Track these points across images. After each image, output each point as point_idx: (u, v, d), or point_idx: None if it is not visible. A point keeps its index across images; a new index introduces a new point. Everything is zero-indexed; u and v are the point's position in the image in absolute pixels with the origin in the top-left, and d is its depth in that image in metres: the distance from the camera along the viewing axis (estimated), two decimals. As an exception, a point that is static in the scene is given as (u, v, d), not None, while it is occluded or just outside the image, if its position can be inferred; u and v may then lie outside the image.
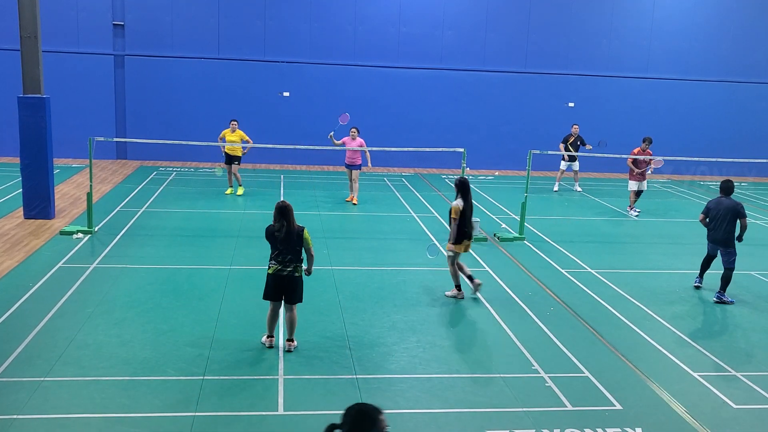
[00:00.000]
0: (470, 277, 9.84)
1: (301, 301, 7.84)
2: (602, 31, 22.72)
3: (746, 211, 10.36)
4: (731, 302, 10.26)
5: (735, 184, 10.85)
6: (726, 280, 10.27)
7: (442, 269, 11.24)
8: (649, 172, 16.34)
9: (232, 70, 21.40)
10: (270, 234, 7.65)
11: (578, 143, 18.70)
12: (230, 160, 16.48)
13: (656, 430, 6.50)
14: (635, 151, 16.04)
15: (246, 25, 21.32)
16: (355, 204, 16.15)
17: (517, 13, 22.29)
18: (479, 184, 19.81)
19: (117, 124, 21.19)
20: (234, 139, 16.10)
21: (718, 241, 10.39)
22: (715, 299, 10.31)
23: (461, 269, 9.86)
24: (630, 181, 16.25)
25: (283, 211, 7.58)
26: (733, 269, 10.27)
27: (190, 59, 21.21)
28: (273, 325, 7.86)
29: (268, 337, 7.89)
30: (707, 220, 10.57)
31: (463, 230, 9.58)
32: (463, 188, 9.60)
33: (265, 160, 21.60)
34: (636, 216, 16.08)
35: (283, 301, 7.77)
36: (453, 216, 9.51)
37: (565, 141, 18.79)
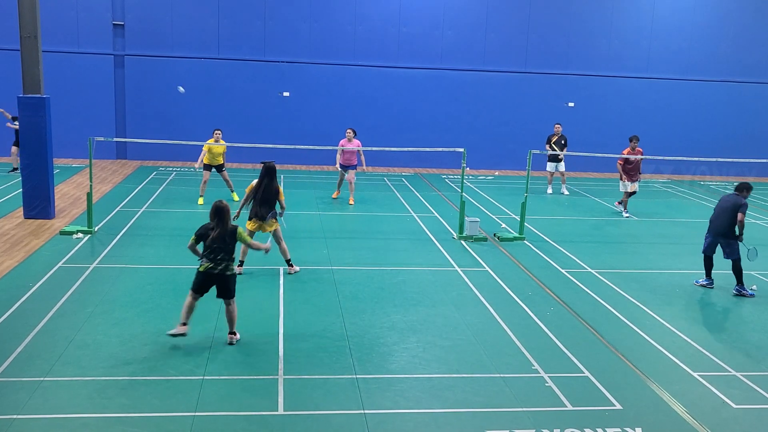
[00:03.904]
0: (241, 263, 10.48)
1: (234, 296, 7.97)
2: (602, 31, 22.73)
3: (748, 211, 10.38)
4: (751, 295, 10.42)
5: (735, 184, 10.91)
6: (737, 272, 10.43)
7: (443, 269, 11.26)
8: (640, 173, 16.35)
9: (232, 70, 21.41)
10: (204, 232, 7.77)
11: (562, 142, 18.63)
12: (210, 167, 15.46)
13: (656, 430, 6.49)
14: (625, 151, 16.02)
15: (246, 25, 21.33)
16: (351, 204, 16.14)
17: (517, 13, 22.30)
18: (479, 184, 19.82)
19: (117, 124, 21.20)
20: (220, 149, 15.35)
21: (718, 233, 10.50)
22: (734, 292, 10.50)
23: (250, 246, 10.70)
24: (622, 182, 16.14)
25: (219, 213, 7.76)
26: (738, 259, 10.38)
27: (190, 59, 21.22)
28: (189, 314, 7.84)
29: (182, 324, 7.81)
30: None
31: (253, 209, 10.30)
32: (266, 173, 10.30)
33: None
34: (627, 217, 16.04)
35: (219, 298, 7.99)
36: (246, 191, 10.41)
37: (548, 141, 18.75)
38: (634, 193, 16.27)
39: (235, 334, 8.01)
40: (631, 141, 16.01)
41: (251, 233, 10.44)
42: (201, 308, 9.01)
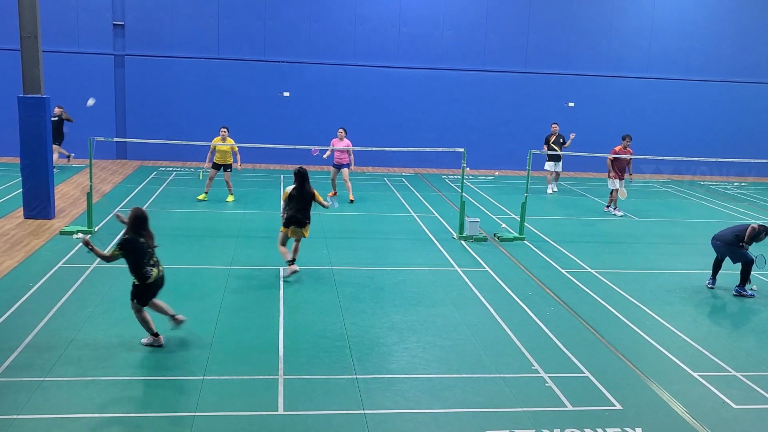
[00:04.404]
0: (291, 262, 10.47)
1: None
2: (602, 31, 22.72)
3: (754, 222, 10.38)
4: (751, 295, 10.45)
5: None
6: (744, 274, 10.46)
7: (443, 269, 11.26)
8: (629, 171, 16.43)
9: (232, 70, 21.40)
10: (136, 244, 7.54)
11: (560, 141, 18.72)
12: (219, 167, 15.61)
13: (656, 430, 6.50)
14: (616, 149, 16.14)
15: (246, 25, 21.33)
16: (352, 201, 16.17)
17: (517, 13, 22.29)
18: (479, 184, 19.82)
19: (117, 124, 21.20)
20: (225, 148, 15.39)
21: (721, 239, 10.54)
22: (734, 292, 10.54)
23: (284, 250, 10.51)
24: (611, 179, 16.22)
25: (144, 220, 7.65)
26: (750, 262, 10.39)
27: (190, 59, 21.21)
28: (152, 323, 7.76)
29: (155, 335, 7.74)
30: None
31: (290, 215, 10.26)
32: (297, 177, 10.30)
33: (265, 160, 21.61)
34: (622, 215, 16.13)
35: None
36: (282, 198, 10.42)
37: (546, 141, 18.84)
38: (615, 191, 16.39)
39: (176, 315, 7.95)
40: (623, 139, 16.14)
41: (285, 239, 10.42)
42: (201, 308, 9.04)
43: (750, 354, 8.37)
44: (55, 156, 18.79)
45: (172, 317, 7.93)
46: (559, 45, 22.60)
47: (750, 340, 8.85)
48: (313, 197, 10.41)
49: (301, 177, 10.32)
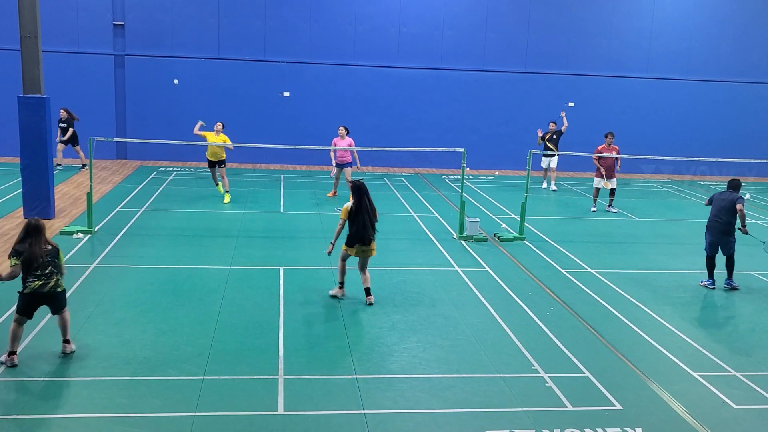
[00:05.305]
0: (341, 284, 9.72)
1: (66, 306, 7.53)
2: (602, 31, 22.72)
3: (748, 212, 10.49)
4: (737, 287, 10.70)
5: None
6: (731, 266, 10.68)
7: (443, 269, 11.26)
8: (618, 168, 16.55)
9: (232, 70, 21.40)
10: (26, 250, 7.17)
11: (554, 137, 18.80)
12: (213, 164, 15.65)
13: (656, 430, 6.50)
14: (599, 148, 16.22)
15: (246, 25, 21.32)
16: None
17: (517, 13, 22.29)
18: (479, 184, 19.82)
19: (117, 124, 21.19)
20: (217, 141, 15.15)
21: (721, 232, 10.58)
22: (725, 286, 10.71)
23: (342, 268, 9.68)
24: (597, 178, 16.38)
25: (38, 230, 7.27)
26: (732, 254, 10.67)
27: (190, 59, 21.21)
28: (18, 342, 7.29)
29: (10, 355, 7.16)
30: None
31: (353, 233, 9.35)
32: (357, 192, 9.35)
33: (265, 160, 21.61)
34: (615, 212, 16.39)
35: (51, 312, 7.53)
36: (341, 216, 9.45)
37: (542, 138, 18.95)
38: (614, 190, 16.51)
39: (70, 342, 7.53)
40: (606, 137, 16.23)
41: (346, 256, 9.54)
42: (201, 308, 9.03)
43: (750, 354, 8.38)
44: (82, 155, 19.06)
45: (64, 342, 7.53)
46: (559, 45, 22.59)
47: (750, 340, 8.85)
48: (375, 213, 9.46)
49: (360, 191, 9.33)
